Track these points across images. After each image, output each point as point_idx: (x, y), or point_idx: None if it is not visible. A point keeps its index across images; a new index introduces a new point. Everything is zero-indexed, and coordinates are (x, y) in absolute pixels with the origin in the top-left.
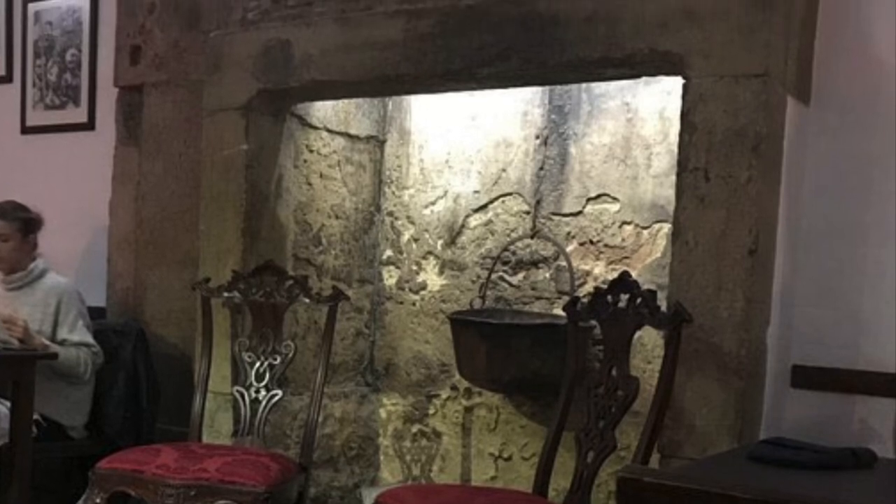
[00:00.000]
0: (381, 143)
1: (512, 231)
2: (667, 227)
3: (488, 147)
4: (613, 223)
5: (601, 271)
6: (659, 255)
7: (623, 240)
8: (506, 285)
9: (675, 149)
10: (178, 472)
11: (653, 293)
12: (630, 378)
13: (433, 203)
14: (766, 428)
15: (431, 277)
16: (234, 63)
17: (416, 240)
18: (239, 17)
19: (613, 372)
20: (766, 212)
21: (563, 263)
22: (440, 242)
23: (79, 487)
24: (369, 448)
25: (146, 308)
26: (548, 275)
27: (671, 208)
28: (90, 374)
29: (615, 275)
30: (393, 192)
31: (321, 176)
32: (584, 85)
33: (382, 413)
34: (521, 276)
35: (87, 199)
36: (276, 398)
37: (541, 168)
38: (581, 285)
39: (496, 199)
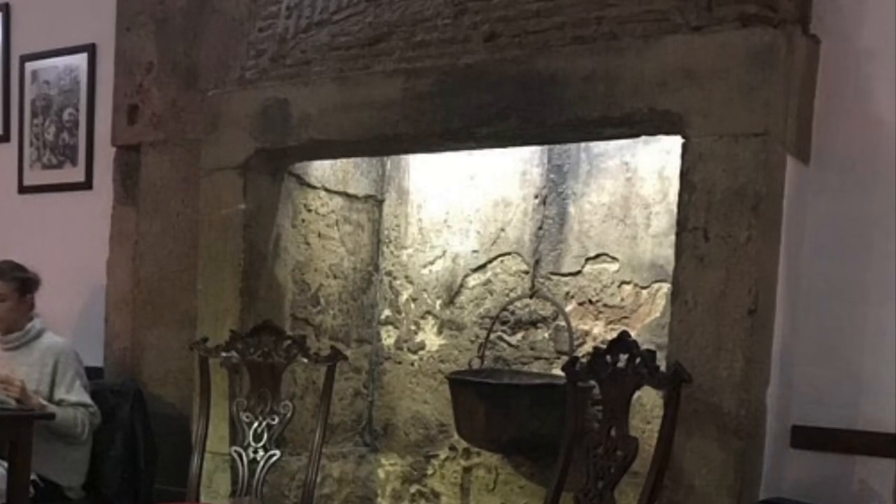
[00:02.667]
0: (380, 203)
1: (511, 291)
2: (666, 287)
3: (487, 207)
4: (612, 283)
5: (600, 331)
6: (658, 314)
7: (622, 299)
8: (504, 345)
9: (675, 208)
10: None
11: (652, 353)
12: (629, 438)
13: (432, 263)
14: (766, 488)
15: (430, 337)
16: (231, 122)
17: (414, 299)
18: (237, 76)
19: (612, 432)
20: (765, 271)
21: (562, 323)
22: (439, 302)
23: None
24: None
25: (144, 368)
26: (547, 335)
27: (670, 268)
28: (87, 434)
29: (614, 335)
30: (391, 252)
31: (319, 235)
32: (582, 144)
33: (381, 473)
34: (519, 335)
35: (84, 258)
36: (274, 458)
37: (540, 227)
38: (580, 345)
39: (495, 258)
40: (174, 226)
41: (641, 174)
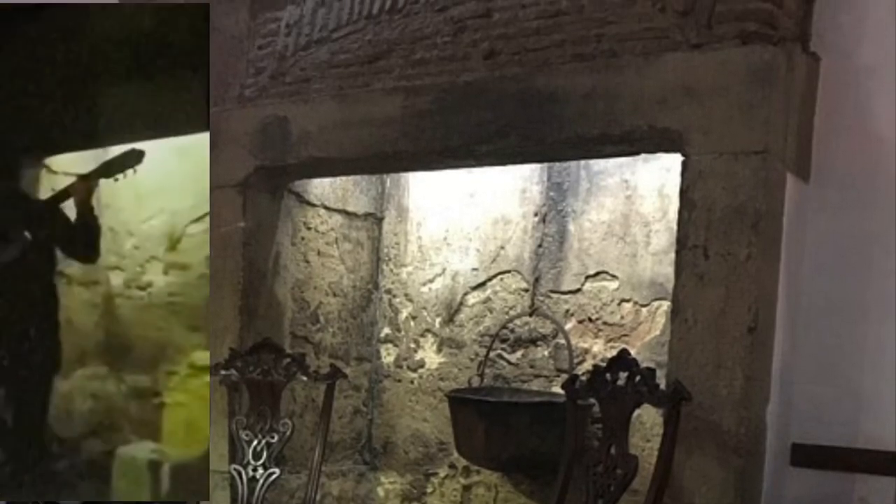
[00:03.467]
0: (379, 221)
1: (510, 309)
2: (666, 305)
3: (487, 224)
4: (612, 301)
5: (600, 349)
6: (658, 332)
7: (622, 317)
8: (504, 363)
9: (675, 226)
10: None
11: (652, 371)
12: (629, 456)
13: (431, 281)
14: None
15: (430, 355)
16: (231, 140)
17: (414, 317)
18: (236, 93)
19: (612, 450)
20: (765, 289)
21: (562, 341)
22: (438, 320)
23: None
24: None
25: None
26: (546, 352)
27: (670, 286)
28: None
29: (614, 352)
30: (391, 270)
31: (319, 253)
32: (582, 162)
33: (380, 491)
34: (519, 353)
35: None
36: (274, 477)
37: (539, 245)
38: (580, 363)
39: (494, 276)
40: None
41: (641, 192)
